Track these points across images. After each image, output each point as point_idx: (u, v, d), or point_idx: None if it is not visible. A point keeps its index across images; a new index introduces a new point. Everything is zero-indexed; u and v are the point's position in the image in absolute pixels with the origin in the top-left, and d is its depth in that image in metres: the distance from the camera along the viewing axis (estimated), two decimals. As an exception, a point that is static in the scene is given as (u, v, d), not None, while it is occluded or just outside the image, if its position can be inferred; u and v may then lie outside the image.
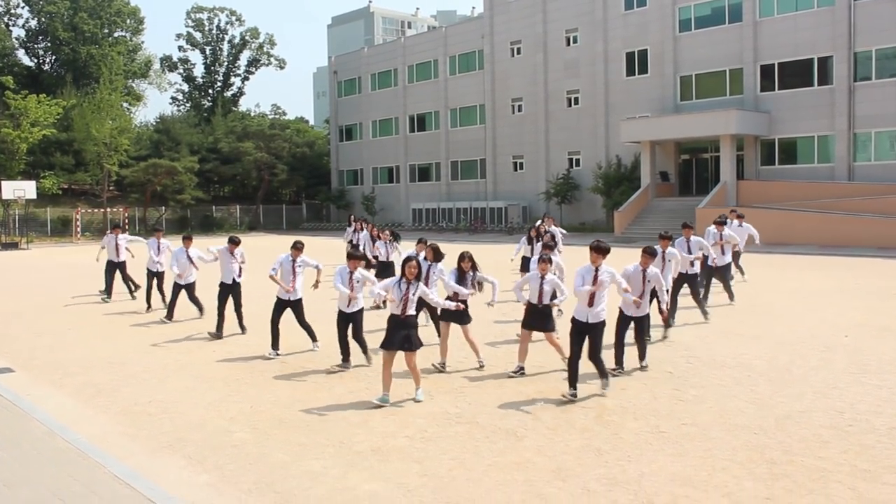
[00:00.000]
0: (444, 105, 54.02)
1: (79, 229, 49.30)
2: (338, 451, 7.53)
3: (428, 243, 12.50)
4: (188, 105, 73.02)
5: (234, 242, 13.42)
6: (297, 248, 12.00)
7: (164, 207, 54.57)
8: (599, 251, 8.96)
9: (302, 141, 63.34)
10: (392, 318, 8.97)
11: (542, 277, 9.91)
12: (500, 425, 8.26)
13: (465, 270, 10.59)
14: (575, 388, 8.95)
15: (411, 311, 8.98)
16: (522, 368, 10.27)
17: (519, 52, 48.87)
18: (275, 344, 11.87)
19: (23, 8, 63.82)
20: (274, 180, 60.17)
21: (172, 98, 77.87)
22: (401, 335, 8.87)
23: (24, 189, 42.23)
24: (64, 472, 7.01)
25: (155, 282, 17.06)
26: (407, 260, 9.04)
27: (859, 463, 6.90)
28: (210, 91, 73.41)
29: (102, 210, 51.25)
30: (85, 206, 52.39)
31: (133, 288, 19.07)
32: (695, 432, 7.87)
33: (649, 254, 10.10)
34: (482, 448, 7.55)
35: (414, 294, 8.91)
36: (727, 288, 16.14)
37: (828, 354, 11.27)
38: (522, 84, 48.70)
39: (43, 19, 62.51)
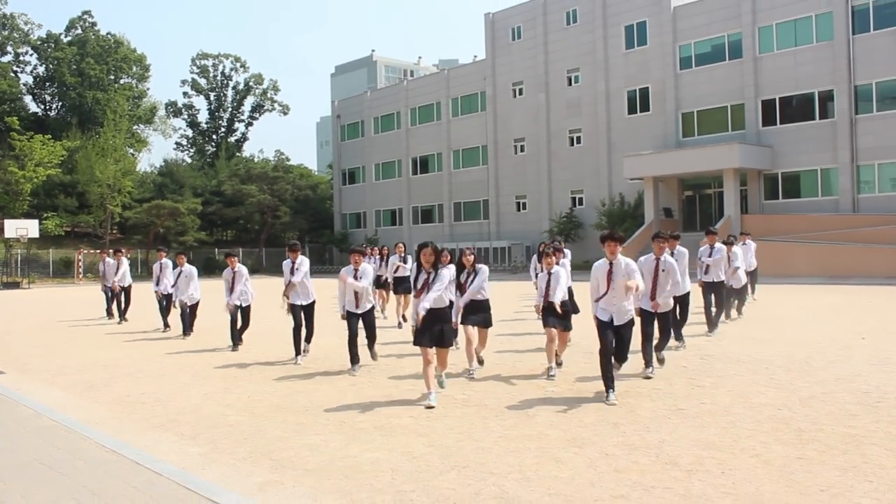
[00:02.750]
0: (446, 146, 54.23)
1: (81, 270, 49.06)
2: (339, 429, 7.14)
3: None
4: (192, 150, 73.50)
5: (293, 250, 11.53)
6: (294, 249, 11.54)
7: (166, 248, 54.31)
8: (614, 240, 8.19)
9: (305, 184, 63.51)
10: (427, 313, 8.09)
11: (549, 272, 9.56)
12: (511, 406, 7.87)
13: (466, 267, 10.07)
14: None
15: (443, 304, 8.24)
16: (559, 365, 9.71)
17: (521, 93, 49.22)
18: (298, 350, 11.44)
19: (31, 55, 64.82)
20: (276, 223, 60.11)
21: (177, 143, 78.48)
22: (434, 330, 8.15)
23: (27, 227, 42.13)
24: (48, 442, 6.62)
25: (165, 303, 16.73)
26: (422, 247, 8.31)
27: (893, 430, 6.49)
28: (214, 136, 73.95)
29: (105, 251, 51.02)
30: (87, 248, 52.25)
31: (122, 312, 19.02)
32: (715, 409, 7.46)
33: (663, 238, 9.66)
34: (491, 424, 7.15)
35: (432, 280, 8.20)
36: (740, 306, 15.89)
37: (846, 351, 10.88)
38: (524, 124, 48.93)
39: (51, 65, 63.37)
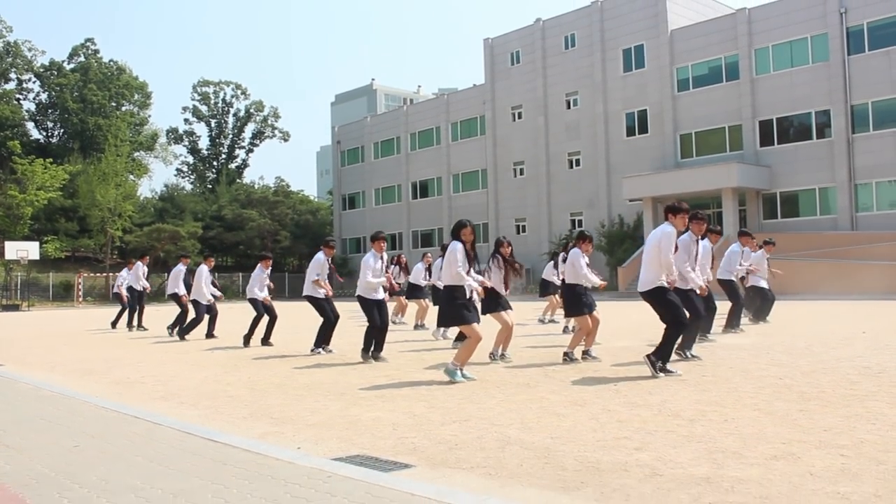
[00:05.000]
0: (446, 171, 54.50)
1: (80, 294, 48.98)
2: (339, 396, 7.12)
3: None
4: (193, 177, 73.80)
5: (329, 246, 11.80)
6: (330, 245, 11.71)
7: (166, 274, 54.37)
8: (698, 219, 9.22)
9: (305, 209, 63.69)
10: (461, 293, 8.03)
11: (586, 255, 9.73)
12: (512, 380, 7.85)
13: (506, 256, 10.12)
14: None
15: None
16: (587, 352, 9.47)
17: (520, 117, 49.59)
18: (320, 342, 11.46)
19: (34, 82, 65.38)
20: (277, 247, 60.16)
21: (177, 170, 78.78)
22: (474, 307, 8.13)
23: (28, 249, 42.15)
24: (48, 405, 6.60)
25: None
26: (461, 225, 8.26)
27: (895, 391, 6.48)
28: (215, 163, 74.30)
29: (105, 275, 51.05)
30: (87, 272, 52.24)
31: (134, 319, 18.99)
32: (717, 380, 7.45)
33: (700, 219, 9.34)
34: (493, 392, 7.14)
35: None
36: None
37: (847, 341, 10.86)
38: (524, 147, 49.22)
39: (53, 92, 63.88)
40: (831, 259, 31.86)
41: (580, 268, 9.58)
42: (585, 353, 9.44)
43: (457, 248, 8.10)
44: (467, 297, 8.07)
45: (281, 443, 5.20)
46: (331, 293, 11.46)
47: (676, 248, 8.29)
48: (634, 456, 4.48)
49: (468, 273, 8.10)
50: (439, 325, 8.97)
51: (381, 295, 10.29)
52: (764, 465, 4.18)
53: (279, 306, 14.86)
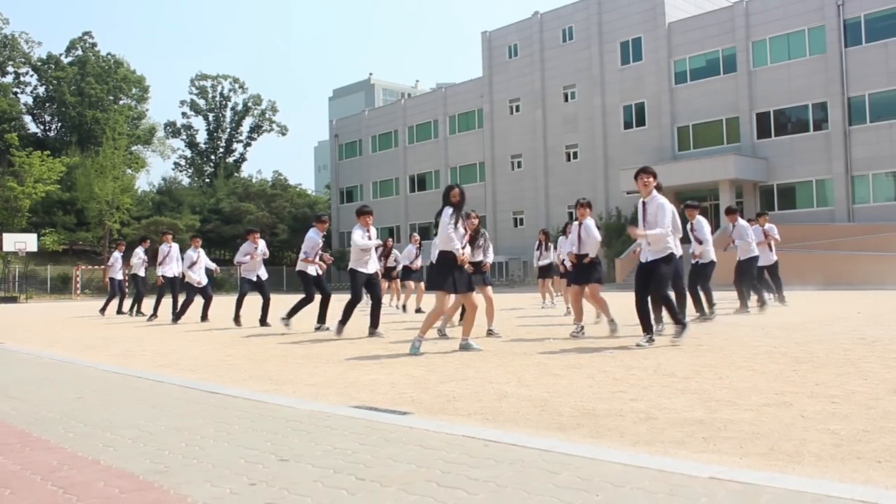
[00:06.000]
0: (444, 164, 54.55)
1: (78, 287, 49.00)
2: (338, 364, 7.19)
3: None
4: (191, 170, 73.79)
5: (321, 221, 11.84)
6: (322, 220, 11.76)
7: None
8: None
9: (303, 202, 63.71)
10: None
11: (580, 223, 9.66)
12: (509, 350, 7.93)
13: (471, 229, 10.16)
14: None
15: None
16: (583, 327, 9.44)
17: (518, 110, 49.63)
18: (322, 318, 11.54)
19: (31, 76, 65.28)
20: (274, 240, 60.17)
21: (175, 164, 78.73)
22: (465, 276, 8.05)
23: (26, 241, 42.13)
24: (49, 369, 6.67)
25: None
26: (448, 188, 8.27)
27: (888, 358, 6.56)
28: (212, 157, 74.27)
29: (102, 268, 51.06)
30: (85, 264, 52.26)
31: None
32: (711, 347, 7.53)
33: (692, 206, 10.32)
34: (490, 358, 7.22)
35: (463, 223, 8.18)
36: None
37: (842, 320, 10.95)
38: (521, 140, 49.28)
39: (51, 86, 63.81)
40: (828, 250, 31.96)
41: (597, 234, 9.55)
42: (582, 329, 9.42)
43: (447, 212, 8.09)
44: (457, 264, 8.00)
45: (281, 394, 5.27)
46: (324, 266, 11.53)
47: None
48: (630, 405, 4.56)
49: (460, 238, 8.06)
50: (428, 289, 8.92)
51: (373, 268, 10.30)
52: (757, 411, 4.25)
53: (277, 300, 14.99)
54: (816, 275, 30.51)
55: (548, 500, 2.39)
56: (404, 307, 16.99)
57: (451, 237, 7.96)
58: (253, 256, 13.36)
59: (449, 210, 8.10)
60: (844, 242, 32.26)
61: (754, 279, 13.25)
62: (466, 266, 8.20)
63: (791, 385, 5.09)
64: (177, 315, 14.90)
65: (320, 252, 11.66)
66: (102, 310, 19.25)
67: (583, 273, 9.54)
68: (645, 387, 5.22)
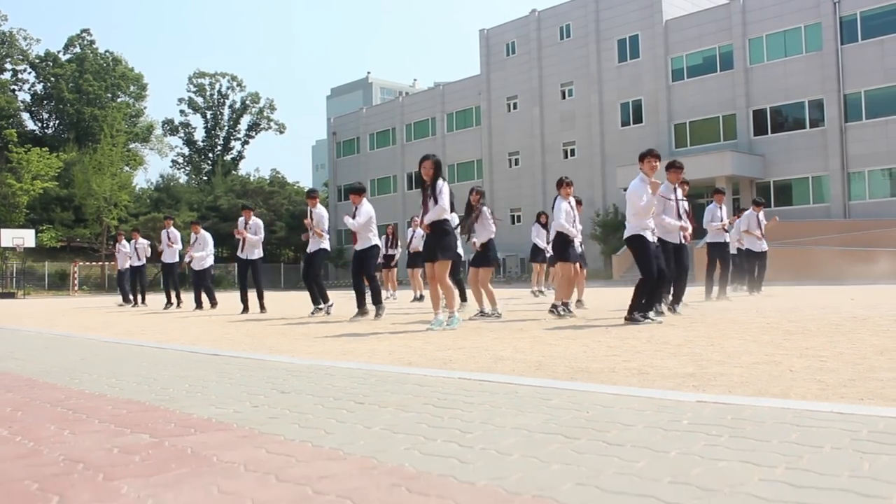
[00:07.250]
0: (442, 161, 54.56)
1: (76, 283, 49.03)
2: (337, 338, 7.29)
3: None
4: (188, 168, 73.85)
5: (312, 197, 12.18)
6: (312, 196, 11.87)
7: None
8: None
9: (301, 200, 63.72)
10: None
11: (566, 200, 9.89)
12: (504, 327, 8.03)
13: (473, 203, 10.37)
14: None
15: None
16: (566, 304, 9.52)
17: (515, 107, 49.76)
18: (315, 300, 11.62)
19: (29, 73, 65.33)
20: (273, 238, 60.22)
21: (173, 161, 78.77)
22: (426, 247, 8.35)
23: (23, 238, 42.20)
24: (52, 342, 6.75)
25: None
26: (424, 158, 8.57)
27: (878, 330, 6.67)
28: (210, 154, 74.33)
29: (100, 264, 51.13)
30: (83, 261, 52.28)
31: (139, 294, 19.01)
32: (705, 324, 7.64)
33: (676, 167, 10.11)
34: (485, 332, 7.32)
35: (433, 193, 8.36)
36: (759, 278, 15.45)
37: (835, 306, 11.06)
38: (519, 138, 49.41)
39: (49, 83, 63.85)
40: (824, 246, 32.10)
41: (559, 212, 9.78)
42: (565, 305, 9.53)
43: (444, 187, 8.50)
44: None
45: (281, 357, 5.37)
46: (320, 235, 11.62)
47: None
48: (623, 364, 4.66)
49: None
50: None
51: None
52: (746, 368, 4.35)
53: (274, 297, 15.14)
54: (812, 271, 30.66)
55: (540, 416, 2.49)
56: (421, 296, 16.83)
57: (445, 208, 8.47)
58: (239, 233, 13.16)
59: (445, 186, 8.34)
60: (840, 238, 32.42)
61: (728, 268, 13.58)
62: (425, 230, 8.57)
63: (781, 350, 5.19)
64: (212, 303, 15.08)
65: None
66: (135, 301, 18.82)
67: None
68: (638, 351, 5.32)
